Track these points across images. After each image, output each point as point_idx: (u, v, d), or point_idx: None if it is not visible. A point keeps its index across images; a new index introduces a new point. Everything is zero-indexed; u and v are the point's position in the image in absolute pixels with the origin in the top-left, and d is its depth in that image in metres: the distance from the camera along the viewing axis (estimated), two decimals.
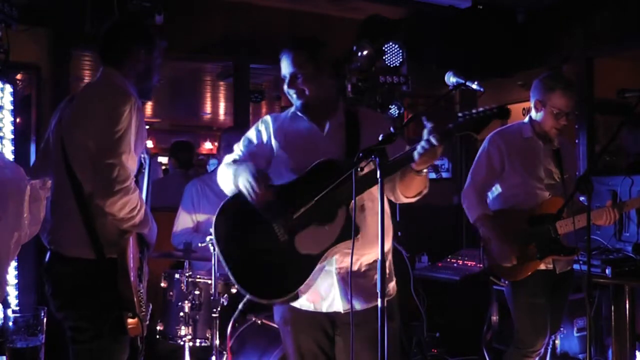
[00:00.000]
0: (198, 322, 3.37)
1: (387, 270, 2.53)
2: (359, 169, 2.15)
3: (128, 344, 2.51)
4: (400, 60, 4.54)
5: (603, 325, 4.20)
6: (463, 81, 2.20)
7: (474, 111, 2.12)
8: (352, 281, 2.27)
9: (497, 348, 4.29)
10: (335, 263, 2.42)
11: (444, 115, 2.21)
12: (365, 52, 4.40)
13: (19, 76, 4.86)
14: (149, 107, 9.60)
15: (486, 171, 3.39)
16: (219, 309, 3.28)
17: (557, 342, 4.15)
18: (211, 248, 3.23)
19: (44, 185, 2.44)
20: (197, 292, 3.38)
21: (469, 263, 4.57)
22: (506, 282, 3.38)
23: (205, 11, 5.07)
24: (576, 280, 3.48)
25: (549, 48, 5.44)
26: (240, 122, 5.38)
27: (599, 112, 5.49)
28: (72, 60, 4.86)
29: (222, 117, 10.95)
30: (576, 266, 3.34)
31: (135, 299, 2.43)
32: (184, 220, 4.01)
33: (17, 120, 4.20)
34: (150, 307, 2.66)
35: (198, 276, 3.42)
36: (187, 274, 3.37)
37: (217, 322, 3.28)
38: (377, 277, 1.97)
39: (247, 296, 2.41)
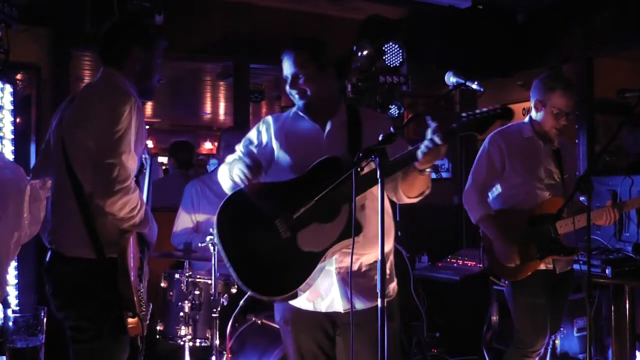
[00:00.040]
0: (198, 322, 3.37)
1: (388, 271, 2.53)
2: (359, 169, 2.15)
3: (128, 344, 2.51)
4: (400, 60, 4.54)
5: (603, 325, 4.20)
6: (463, 81, 2.20)
7: (477, 111, 2.13)
8: (352, 281, 2.27)
9: (497, 348, 4.29)
10: (335, 262, 2.42)
11: (445, 115, 2.21)
12: (365, 52, 4.40)
13: (19, 76, 4.86)
14: (149, 107, 9.60)
15: (487, 171, 3.39)
16: (219, 309, 3.28)
17: (557, 342, 4.15)
18: (211, 248, 3.23)
19: (44, 185, 2.44)
20: (197, 292, 3.38)
21: (469, 263, 4.57)
22: (506, 282, 3.38)
23: (205, 11, 5.07)
24: (576, 280, 3.48)
25: (549, 48, 5.44)
26: (240, 122, 5.39)
27: (599, 112, 5.49)
28: (72, 60, 4.86)
29: (222, 117, 10.95)
30: (576, 266, 3.35)
31: (135, 299, 2.43)
32: (184, 221, 4.01)
33: (17, 120, 4.20)
34: (151, 306, 2.66)
35: (198, 276, 3.42)
36: (187, 274, 3.37)
37: (217, 322, 3.29)
38: (377, 277, 1.97)
39: (249, 293, 2.41)
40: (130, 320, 2.42)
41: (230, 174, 2.47)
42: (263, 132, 2.63)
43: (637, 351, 3.82)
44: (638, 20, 4.79)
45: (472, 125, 2.13)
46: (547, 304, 3.30)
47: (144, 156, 2.64)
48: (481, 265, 4.39)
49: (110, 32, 2.62)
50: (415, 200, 2.47)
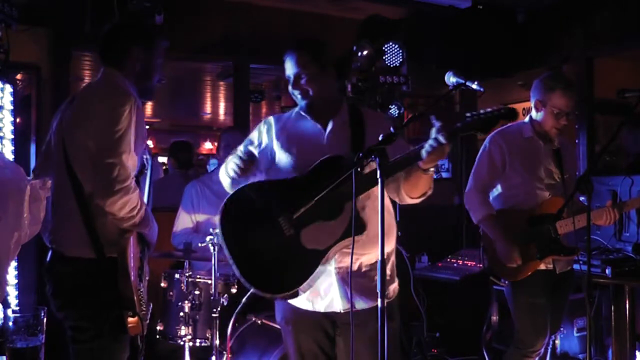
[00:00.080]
0: (198, 322, 3.38)
1: (389, 272, 2.54)
2: (359, 169, 2.15)
3: (128, 344, 2.51)
4: (400, 60, 4.54)
5: (603, 325, 4.20)
6: (463, 81, 2.21)
7: (481, 111, 2.15)
8: (352, 281, 2.27)
9: (497, 348, 4.29)
10: (335, 262, 2.43)
11: (447, 115, 2.22)
12: (365, 52, 4.40)
13: (19, 76, 4.86)
14: (149, 107, 9.60)
15: (488, 171, 3.39)
16: (219, 309, 3.28)
17: (557, 342, 4.15)
18: (211, 248, 3.23)
19: (44, 185, 2.44)
20: (197, 292, 3.38)
21: (469, 263, 4.57)
22: (506, 282, 3.38)
23: (205, 11, 5.07)
24: (576, 280, 3.48)
25: (549, 48, 5.44)
26: (240, 122, 5.39)
27: (599, 112, 5.49)
28: (72, 60, 4.85)
29: (222, 117, 10.95)
30: (576, 266, 3.35)
31: (135, 298, 2.43)
32: (184, 221, 4.02)
33: (17, 120, 4.20)
34: (151, 306, 2.66)
35: (198, 276, 3.42)
36: (187, 274, 3.37)
37: (217, 322, 3.29)
38: (377, 276, 1.97)
39: (252, 290, 2.41)
40: (130, 319, 2.42)
41: (226, 168, 2.51)
42: (264, 133, 2.64)
43: (637, 351, 3.82)
44: (638, 20, 4.79)
45: (476, 124, 2.14)
46: (547, 304, 3.30)
47: (145, 157, 2.64)
48: (481, 265, 4.39)
49: (110, 33, 2.62)
50: (417, 201, 2.48)
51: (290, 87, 2.54)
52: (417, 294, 4.44)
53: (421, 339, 4.58)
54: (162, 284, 3.49)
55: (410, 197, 2.46)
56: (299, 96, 2.53)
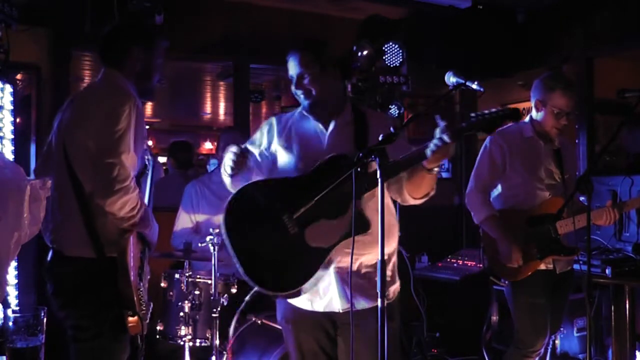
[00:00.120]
0: (198, 322, 3.37)
1: (390, 273, 2.54)
2: (359, 169, 2.15)
3: (129, 343, 2.51)
4: (400, 60, 4.54)
5: (603, 325, 4.20)
6: (463, 81, 2.21)
7: (486, 111, 2.15)
8: (353, 281, 2.27)
9: (497, 348, 4.29)
10: (334, 262, 2.43)
11: (446, 114, 2.22)
12: (365, 52, 4.39)
13: (19, 76, 4.86)
14: (149, 107, 9.59)
15: (489, 170, 3.39)
16: (219, 309, 3.28)
17: (557, 342, 4.15)
18: (211, 248, 3.23)
19: (44, 185, 2.44)
20: (197, 292, 3.38)
21: (469, 263, 4.58)
22: (506, 282, 3.38)
23: (205, 11, 5.07)
24: (576, 280, 3.48)
25: (549, 48, 5.43)
26: (240, 122, 5.39)
27: (599, 112, 5.48)
28: (72, 60, 4.86)
29: (222, 117, 10.95)
30: (576, 266, 3.35)
31: (135, 298, 2.43)
32: (184, 221, 4.03)
33: (17, 120, 4.20)
34: (151, 306, 2.67)
35: (198, 276, 3.42)
36: (187, 274, 3.37)
37: (217, 322, 3.29)
38: (377, 276, 1.97)
39: (255, 288, 2.41)
40: (130, 319, 2.43)
41: (224, 168, 2.52)
42: (265, 134, 2.65)
43: (637, 351, 3.82)
44: (638, 20, 4.78)
45: (481, 124, 2.15)
46: (547, 304, 3.30)
47: (146, 157, 2.65)
48: (481, 265, 4.40)
49: (110, 33, 2.63)
50: (420, 202, 2.48)
51: (293, 87, 2.55)
52: (417, 294, 4.44)
53: (421, 339, 4.58)
54: (162, 284, 3.49)
55: (413, 198, 2.46)
56: (301, 96, 2.54)
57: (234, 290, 3.42)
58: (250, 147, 2.64)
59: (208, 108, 10.45)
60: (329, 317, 2.52)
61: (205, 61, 6.48)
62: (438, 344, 4.72)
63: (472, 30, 5.28)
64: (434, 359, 4.65)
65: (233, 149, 2.46)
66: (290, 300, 2.57)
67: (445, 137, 2.13)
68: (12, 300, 3.94)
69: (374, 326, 1.98)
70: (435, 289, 4.64)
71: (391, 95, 4.54)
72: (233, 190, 2.49)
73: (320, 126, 2.56)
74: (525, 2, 5.37)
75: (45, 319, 1.78)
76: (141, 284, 2.55)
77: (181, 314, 3.34)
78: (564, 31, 5.32)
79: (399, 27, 4.60)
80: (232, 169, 2.45)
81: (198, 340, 3.38)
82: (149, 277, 2.71)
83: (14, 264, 3.86)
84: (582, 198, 3.34)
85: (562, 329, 4.02)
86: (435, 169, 2.30)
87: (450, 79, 2.25)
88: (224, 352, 3.38)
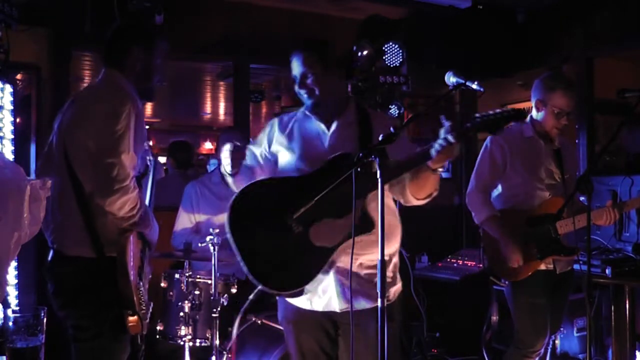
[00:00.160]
0: (198, 322, 3.37)
1: (391, 274, 2.54)
2: (359, 169, 2.15)
3: (129, 343, 2.52)
4: (400, 60, 4.54)
5: (603, 325, 4.20)
6: (463, 81, 2.21)
7: (491, 112, 2.16)
8: (354, 281, 2.27)
9: (497, 348, 4.29)
10: (336, 262, 2.43)
11: (447, 115, 2.22)
12: (365, 52, 4.39)
13: (19, 76, 4.85)
14: (149, 107, 9.59)
15: (489, 170, 3.39)
16: (219, 309, 3.28)
17: (557, 342, 4.15)
18: (211, 248, 3.23)
19: (44, 185, 2.44)
20: (197, 292, 3.38)
21: (469, 263, 4.58)
22: (506, 282, 3.38)
23: (205, 11, 5.06)
24: (576, 280, 3.48)
25: (549, 48, 5.44)
26: (240, 122, 5.39)
27: (599, 112, 5.49)
28: (72, 60, 4.85)
29: (222, 117, 10.95)
30: (576, 266, 3.35)
31: (135, 298, 2.44)
32: (184, 221, 4.03)
33: (17, 120, 4.20)
34: (152, 305, 2.67)
35: (198, 276, 3.42)
36: (187, 274, 3.37)
37: (217, 322, 3.28)
38: (377, 277, 1.97)
39: (259, 287, 2.41)
40: (130, 318, 2.43)
41: (224, 169, 2.54)
42: (266, 134, 2.67)
43: (637, 351, 3.82)
44: (638, 20, 4.78)
45: (486, 125, 2.15)
46: (547, 304, 3.30)
47: (148, 158, 2.66)
48: (481, 265, 4.40)
49: (111, 34, 2.64)
50: (422, 202, 2.48)
51: (296, 87, 2.57)
52: (417, 294, 4.44)
53: (421, 339, 4.58)
54: (162, 284, 3.49)
55: (416, 199, 2.46)
56: (305, 95, 2.55)
57: (234, 290, 3.42)
58: (253, 148, 2.67)
59: (208, 108, 10.45)
60: (329, 317, 2.52)
61: (205, 61, 6.48)
62: (438, 344, 4.71)
63: (472, 30, 5.28)
64: (434, 359, 4.65)
65: (227, 146, 2.47)
66: (290, 300, 2.57)
67: (450, 138, 2.14)
68: (12, 300, 3.94)
69: (375, 327, 1.98)
70: (435, 289, 4.64)
71: (391, 95, 4.54)
72: (236, 190, 2.49)
73: (322, 126, 2.56)
74: (525, 2, 5.37)
75: (45, 319, 1.78)
76: (141, 284, 2.55)
77: (181, 314, 3.34)
78: (564, 31, 5.31)
79: (399, 27, 4.60)
80: (231, 166, 2.45)
81: (198, 340, 3.37)
82: (149, 277, 2.71)
83: (14, 264, 3.86)
84: (582, 198, 3.34)
85: (562, 329, 4.03)
86: (440, 169, 2.31)
87: (450, 79, 2.25)
88: (224, 352, 3.38)
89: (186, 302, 3.35)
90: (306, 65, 2.50)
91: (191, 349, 3.39)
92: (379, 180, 1.98)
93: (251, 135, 5.34)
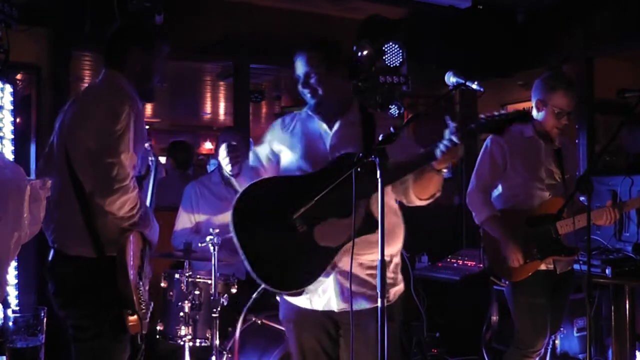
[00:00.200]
0: (198, 322, 3.37)
1: (392, 275, 2.54)
2: (359, 169, 2.16)
3: (129, 343, 2.52)
4: (400, 60, 4.53)
5: (603, 325, 4.20)
6: (463, 81, 2.21)
7: (496, 113, 2.17)
8: (354, 281, 2.27)
9: (497, 348, 4.29)
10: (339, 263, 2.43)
11: (446, 115, 2.23)
12: (365, 52, 4.39)
13: (19, 76, 4.85)
14: (149, 107, 9.57)
15: (489, 170, 3.39)
16: (219, 309, 3.28)
17: (557, 342, 4.15)
18: (211, 248, 3.23)
19: (44, 185, 2.44)
20: (197, 292, 3.37)
21: (469, 263, 4.57)
22: (507, 282, 3.38)
23: (205, 11, 5.06)
24: (576, 280, 3.48)
25: (549, 48, 5.43)
26: (240, 122, 5.39)
27: (599, 112, 5.49)
28: (72, 60, 4.85)
29: (222, 117, 10.95)
30: (576, 266, 3.35)
31: (134, 297, 2.44)
32: (184, 221, 4.03)
33: (17, 120, 4.19)
34: (152, 305, 2.67)
35: (198, 276, 3.42)
36: (187, 274, 3.37)
37: (217, 322, 3.28)
38: (377, 277, 1.98)
39: (262, 286, 2.41)
40: (130, 318, 2.43)
41: (225, 171, 2.56)
42: (269, 135, 2.69)
43: (637, 351, 3.82)
44: (638, 20, 4.78)
45: (490, 126, 2.16)
46: (548, 304, 3.30)
47: (150, 158, 2.67)
48: (481, 265, 4.40)
49: (112, 35, 2.65)
50: (425, 203, 2.49)
51: (300, 86, 2.57)
52: (417, 294, 4.44)
53: (421, 339, 4.58)
54: (162, 284, 3.49)
55: (420, 199, 2.46)
56: (308, 95, 2.56)
57: (234, 290, 3.42)
58: (257, 149, 2.69)
59: (208, 108, 10.45)
60: (330, 316, 2.52)
61: (205, 61, 6.48)
62: (438, 344, 4.71)
63: (472, 30, 5.28)
64: (434, 359, 4.65)
65: (222, 147, 2.48)
66: (291, 300, 2.58)
67: (455, 139, 2.14)
68: (12, 300, 3.94)
69: (375, 327, 1.98)
70: (435, 289, 4.63)
71: (391, 95, 4.54)
72: (240, 189, 2.50)
73: (325, 126, 2.57)
74: (525, 2, 5.37)
75: (45, 319, 1.78)
76: (141, 284, 2.55)
77: (181, 314, 3.34)
78: (564, 31, 5.31)
79: (399, 27, 4.60)
80: (230, 165, 2.46)
81: (198, 340, 3.37)
82: (150, 276, 2.71)
83: (14, 264, 3.86)
84: (582, 198, 3.34)
85: (562, 329, 4.03)
86: (444, 170, 2.31)
87: (450, 79, 2.25)
88: (224, 352, 3.38)
89: (186, 302, 3.35)
90: (310, 65, 2.51)
91: (191, 349, 3.39)
92: (379, 180, 1.98)
93: (251, 135, 5.34)
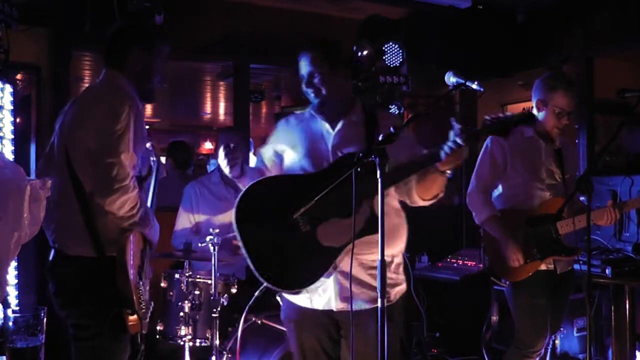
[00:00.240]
0: (198, 322, 3.37)
1: (395, 275, 2.55)
2: (359, 169, 2.16)
3: (129, 343, 2.52)
4: (400, 60, 4.54)
5: (603, 325, 4.19)
6: (463, 81, 2.21)
7: (501, 115, 2.17)
8: (354, 281, 2.27)
9: (497, 348, 4.29)
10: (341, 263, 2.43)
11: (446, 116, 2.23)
12: (365, 52, 4.39)
13: (19, 76, 4.85)
14: (149, 107, 9.56)
15: (490, 170, 3.39)
16: (219, 309, 3.28)
17: (557, 342, 4.15)
18: (211, 248, 3.23)
19: (44, 185, 2.45)
20: (197, 292, 3.38)
21: (469, 263, 4.58)
22: (507, 282, 3.38)
23: (205, 11, 5.06)
24: (576, 280, 3.48)
25: (549, 48, 5.43)
26: (240, 122, 5.39)
27: (599, 112, 5.49)
28: (72, 60, 4.85)
29: (222, 117, 10.95)
30: (576, 266, 3.35)
31: (134, 297, 2.44)
32: (184, 221, 4.03)
33: (17, 120, 4.19)
34: (152, 305, 2.67)
35: (198, 276, 3.42)
36: (187, 274, 3.37)
37: (217, 322, 3.28)
38: (377, 277, 1.98)
39: (264, 284, 2.42)
40: (129, 317, 2.43)
41: (227, 173, 2.55)
42: (273, 136, 2.71)
43: (637, 351, 3.82)
44: (638, 20, 4.78)
45: (495, 128, 2.16)
46: (548, 304, 3.30)
47: (152, 158, 2.67)
48: (481, 265, 4.40)
49: (112, 35, 2.65)
50: (428, 203, 2.49)
51: (303, 86, 2.58)
52: (417, 294, 4.44)
53: (421, 339, 4.58)
54: (162, 284, 3.49)
55: (423, 199, 2.47)
56: (311, 95, 2.56)
57: (234, 290, 3.42)
58: (262, 150, 2.70)
59: (208, 108, 10.45)
60: (331, 317, 2.52)
61: (205, 61, 6.48)
62: (438, 344, 4.71)
63: (472, 30, 5.28)
64: (434, 359, 4.65)
65: (220, 150, 2.50)
66: (292, 299, 2.58)
67: (460, 140, 2.15)
68: (12, 300, 3.94)
69: (375, 327, 1.98)
70: (435, 289, 4.64)
71: (391, 95, 4.54)
72: (243, 188, 2.51)
73: (327, 126, 2.58)
74: (525, 2, 5.37)
75: (45, 319, 1.78)
76: (141, 283, 2.56)
77: (181, 314, 3.34)
78: (564, 31, 5.31)
79: (399, 27, 4.60)
80: (229, 167, 2.47)
81: (198, 340, 3.37)
82: (150, 277, 2.72)
83: (14, 264, 3.86)
84: (582, 198, 3.34)
85: (562, 329, 4.02)
86: (448, 171, 2.32)
87: (450, 79, 2.25)
88: (224, 352, 3.38)
89: (186, 302, 3.35)
90: (313, 65, 2.52)
91: (191, 349, 3.39)
92: (379, 180, 1.98)
93: (251, 135, 5.34)
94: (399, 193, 2.51)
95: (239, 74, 5.44)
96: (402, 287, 2.60)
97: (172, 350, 3.63)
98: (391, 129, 2.06)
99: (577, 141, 5.22)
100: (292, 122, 2.68)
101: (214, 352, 3.28)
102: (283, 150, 2.63)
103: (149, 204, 2.78)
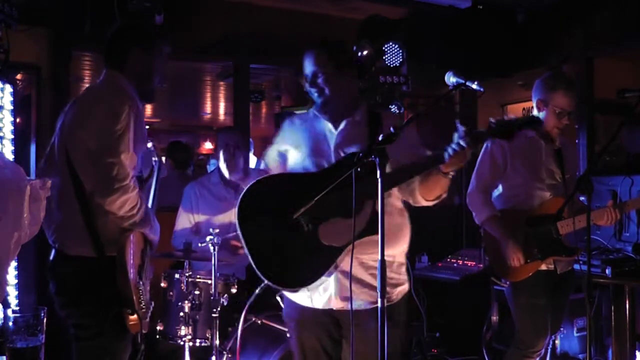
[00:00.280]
0: (198, 322, 3.37)
1: (397, 275, 2.56)
2: (359, 169, 2.16)
3: (130, 343, 2.52)
4: (400, 60, 4.54)
5: (603, 325, 4.20)
6: (463, 81, 2.21)
7: (505, 118, 2.18)
8: (355, 281, 2.27)
9: (497, 348, 4.29)
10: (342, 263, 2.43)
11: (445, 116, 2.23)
12: (365, 52, 4.39)
13: (19, 76, 4.85)
14: (149, 107, 9.57)
15: (490, 171, 3.39)
16: (219, 309, 3.28)
17: (557, 342, 4.15)
18: (211, 248, 3.23)
19: (44, 185, 2.45)
20: (197, 292, 3.38)
21: (469, 263, 4.58)
22: (507, 282, 3.38)
23: (205, 11, 5.06)
24: (576, 280, 3.48)
25: (549, 48, 5.44)
26: (240, 122, 5.39)
27: (599, 112, 5.49)
28: (72, 60, 4.85)
29: (222, 117, 10.95)
30: (576, 266, 3.34)
31: (134, 296, 2.44)
32: (184, 221, 4.03)
33: (17, 120, 4.20)
34: (152, 305, 2.67)
35: (198, 276, 3.42)
36: (187, 274, 3.37)
37: (217, 322, 3.29)
38: (377, 277, 1.98)
39: (265, 282, 2.42)
40: (130, 317, 2.44)
41: (228, 176, 2.55)
42: (278, 136, 2.72)
43: (637, 351, 3.82)
44: (638, 20, 4.78)
45: (499, 130, 2.16)
46: (548, 304, 3.30)
47: (153, 159, 2.68)
48: (481, 265, 4.40)
49: (112, 35, 2.65)
50: (431, 204, 2.51)
51: (307, 86, 2.58)
52: (417, 294, 4.44)
53: (421, 339, 4.58)
54: (162, 284, 3.49)
55: (426, 200, 2.48)
56: (315, 94, 2.57)
57: (234, 290, 3.42)
58: (267, 152, 2.71)
59: (208, 108, 10.45)
60: (331, 316, 2.53)
61: (205, 61, 6.48)
62: (438, 344, 4.71)
63: (472, 30, 5.28)
64: (434, 359, 4.65)
65: (220, 153, 2.51)
66: (292, 298, 2.58)
67: (464, 143, 2.16)
68: (12, 300, 3.94)
69: (375, 327, 1.99)
70: (435, 289, 4.64)
71: (391, 95, 4.54)
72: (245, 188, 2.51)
73: (330, 126, 2.58)
74: (525, 2, 5.37)
75: (45, 319, 1.78)
76: (141, 283, 2.56)
77: (181, 314, 3.34)
78: (564, 31, 5.32)
79: (399, 27, 4.60)
80: (228, 171, 2.47)
81: (198, 340, 3.37)
82: (151, 276, 2.72)
83: (14, 264, 3.86)
84: (582, 198, 3.34)
85: (562, 329, 4.02)
86: (451, 173, 2.32)
87: (450, 79, 2.25)
88: (224, 352, 3.38)
89: (186, 302, 3.35)
90: (317, 65, 2.52)
91: (191, 349, 3.39)
92: (379, 180, 1.98)
93: (251, 135, 5.34)
94: (402, 193, 2.51)
95: (239, 74, 5.44)
96: (405, 287, 2.60)
97: (172, 350, 3.63)
98: (391, 129, 2.06)
99: (577, 141, 5.22)
100: (297, 123, 2.69)
101: (214, 352, 3.28)
102: (287, 150, 2.64)
103: (150, 203, 2.78)
